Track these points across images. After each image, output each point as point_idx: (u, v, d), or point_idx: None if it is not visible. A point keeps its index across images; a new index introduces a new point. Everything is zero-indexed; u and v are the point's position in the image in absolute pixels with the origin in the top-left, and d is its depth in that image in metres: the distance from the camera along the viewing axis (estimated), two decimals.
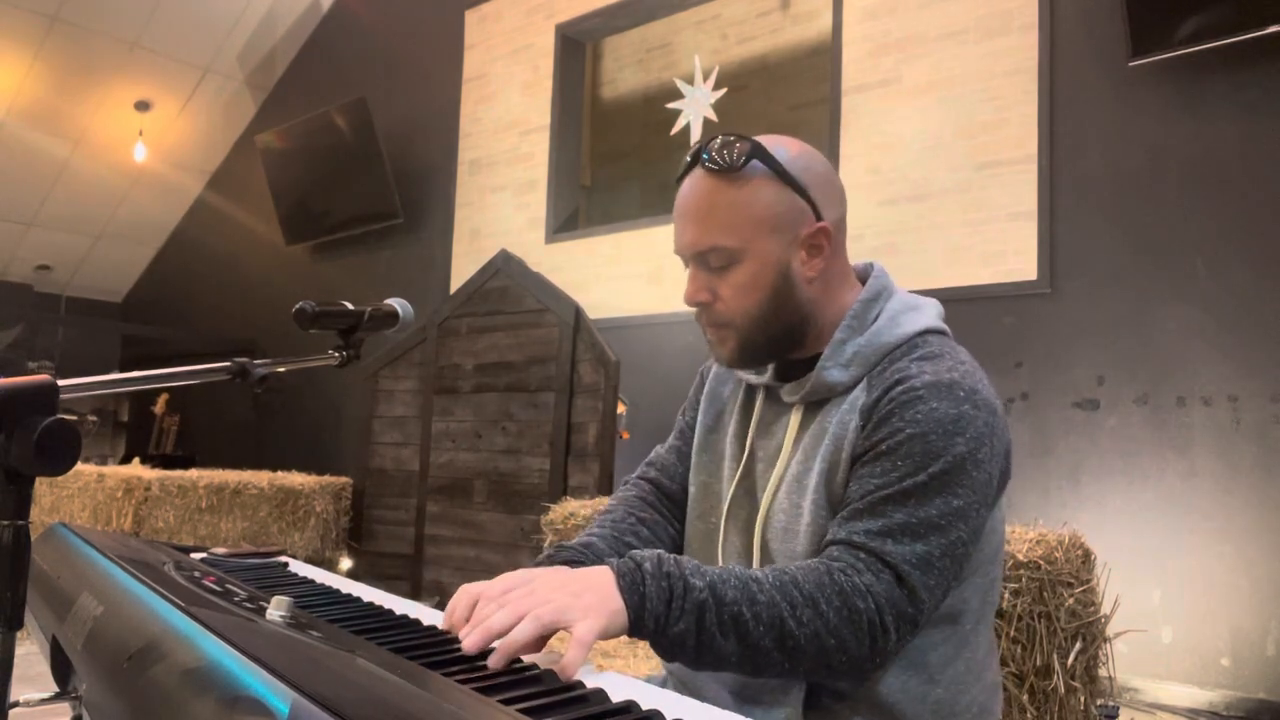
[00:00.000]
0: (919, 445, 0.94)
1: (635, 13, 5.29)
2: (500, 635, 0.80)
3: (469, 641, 0.80)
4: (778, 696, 1.01)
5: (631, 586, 0.86)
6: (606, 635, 0.84)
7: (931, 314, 1.09)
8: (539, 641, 0.82)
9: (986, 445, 0.96)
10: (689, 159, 1.08)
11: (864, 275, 1.12)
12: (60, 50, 6.69)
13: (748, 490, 1.12)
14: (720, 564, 1.13)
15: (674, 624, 0.86)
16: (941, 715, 1.00)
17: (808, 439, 1.06)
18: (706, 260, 1.05)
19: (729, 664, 0.89)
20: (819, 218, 1.04)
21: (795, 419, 1.08)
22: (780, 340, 1.07)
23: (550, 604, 0.82)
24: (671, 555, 0.90)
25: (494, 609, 0.83)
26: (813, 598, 0.89)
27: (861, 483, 0.97)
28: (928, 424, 0.95)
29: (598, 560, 1.08)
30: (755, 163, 1.02)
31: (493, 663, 0.77)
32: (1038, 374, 3.58)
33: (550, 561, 1.06)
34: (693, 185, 1.06)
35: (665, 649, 0.88)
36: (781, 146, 1.05)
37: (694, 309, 1.09)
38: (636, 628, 0.86)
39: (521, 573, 0.94)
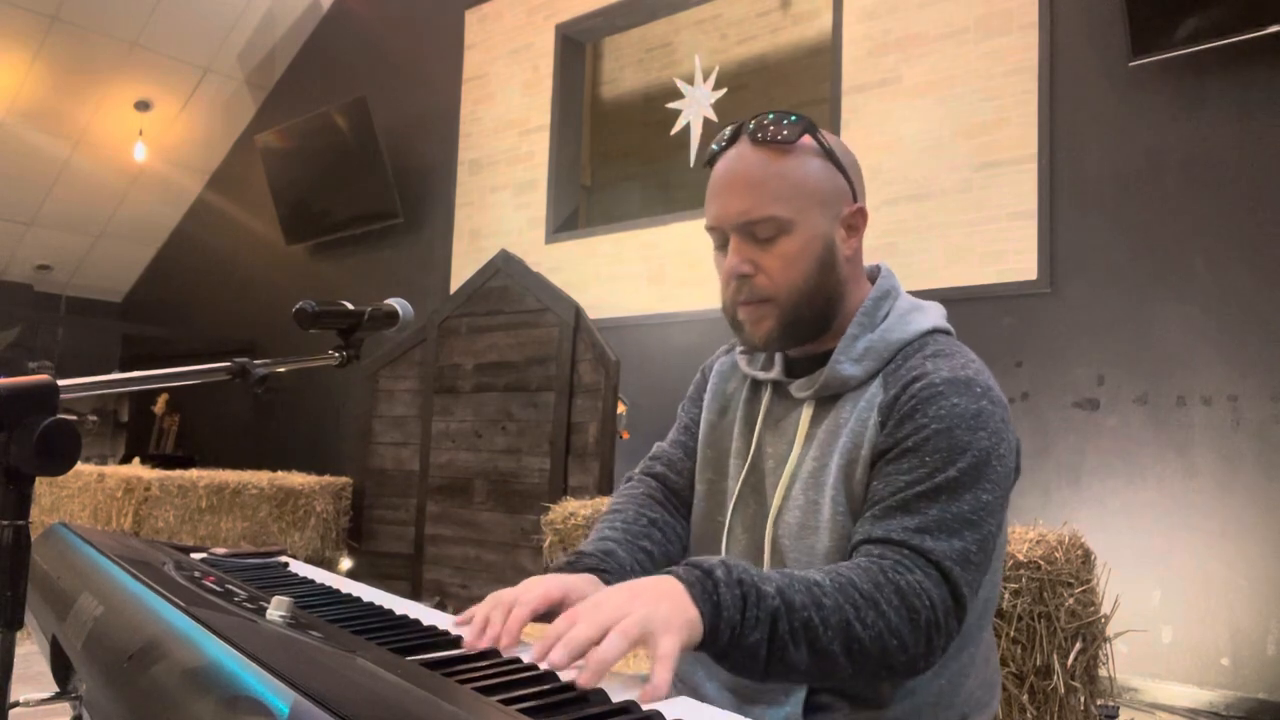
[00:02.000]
0: (945, 440, 0.95)
1: (635, 13, 5.28)
2: (584, 651, 0.76)
3: (555, 656, 0.75)
4: (778, 696, 1.00)
5: (705, 595, 0.82)
6: (685, 648, 0.79)
7: (936, 315, 1.10)
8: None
9: (1005, 440, 0.97)
10: (717, 144, 1.07)
11: (872, 275, 1.14)
12: (60, 50, 6.69)
13: (754, 487, 1.10)
14: None
15: (749, 634, 0.82)
16: (942, 707, 1.00)
17: (821, 434, 1.05)
18: (753, 232, 1.03)
19: (796, 673, 0.86)
20: (855, 199, 1.07)
21: (807, 414, 1.07)
22: (818, 318, 1.06)
23: (632, 616, 0.78)
24: (737, 561, 0.86)
25: (563, 625, 0.79)
26: (873, 598, 0.86)
27: (889, 480, 0.96)
28: (951, 419, 0.95)
29: (620, 569, 1.06)
30: (805, 137, 1.03)
31: (582, 681, 0.72)
32: (1038, 374, 3.58)
33: (571, 569, 1.03)
34: (739, 157, 1.05)
35: (736, 661, 0.84)
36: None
37: (727, 289, 1.06)
38: (710, 639, 0.81)
39: (553, 578, 0.92)
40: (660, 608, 0.79)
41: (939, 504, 0.92)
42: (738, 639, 0.82)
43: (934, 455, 0.94)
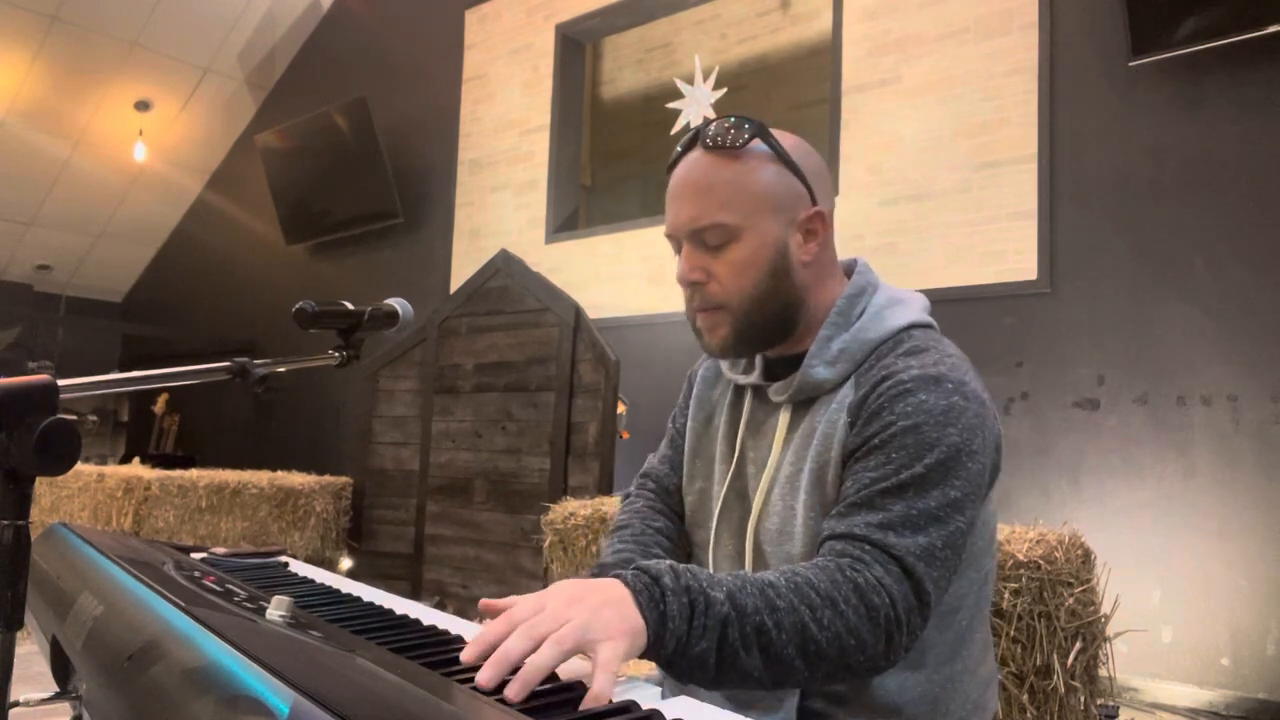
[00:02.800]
0: (912, 437, 0.93)
1: (635, 13, 5.28)
2: (518, 663, 0.71)
3: (482, 676, 0.70)
4: (772, 703, 0.99)
5: (651, 603, 0.79)
6: (627, 657, 0.76)
7: (916, 308, 1.08)
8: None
9: (979, 436, 0.95)
10: (681, 147, 1.07)
11: (849, 271, 1.12)
12: (60, 50, 6.69)
13: (739, 492, 1.10)
14: (712, 568, 1.12)
15: (696, 643, 0.80)
16: (939, 713, 0.99)
17: (797, 439, 1.04)
18: (703, 239, 1.02)
19: (750, 680, 0.83)
20: (814, 203, 1.04)
21: (784, 419, 1.07)
22: (773, 325, 1.04)
23: (570, 623, 0.74)
24: (685, 566, 0.84)
25: (499, 630, 0.74)
26: (830, 597, 0.85)
27: (856, 477, 0.94)
28: (919, 415, 0.94)
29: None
30: (757, 142, 1.02)
31: (511, 694, 0.68)
32: (1038, 374, 3.58)
33: None
34: (691, 164, 1.04)
35: (683, 670, 0.81)
36: (779, 134, 1.05)
37: (685, 295, 1.06)
38: (655, 648, 0.79)
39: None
40: (601, 614, 0.76)
41: (904, 500, 0.90)
42: (684, 648, 0.80)
43: (901, 452, 0.93)
